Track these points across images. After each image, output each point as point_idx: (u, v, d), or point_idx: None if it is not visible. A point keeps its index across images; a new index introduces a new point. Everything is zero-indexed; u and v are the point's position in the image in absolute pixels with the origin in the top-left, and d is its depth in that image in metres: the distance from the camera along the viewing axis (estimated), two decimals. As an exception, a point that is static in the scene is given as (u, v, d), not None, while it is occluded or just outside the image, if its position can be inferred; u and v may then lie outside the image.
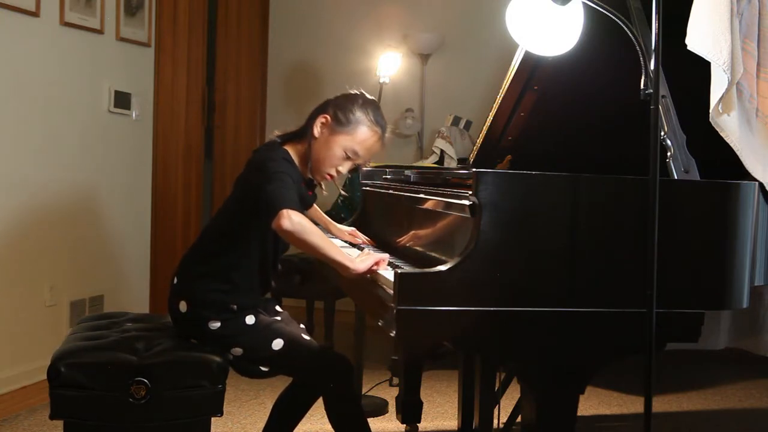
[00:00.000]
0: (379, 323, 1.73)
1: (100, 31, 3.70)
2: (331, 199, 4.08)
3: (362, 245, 2.51)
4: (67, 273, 3.55)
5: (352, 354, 3.36)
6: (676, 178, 1.82)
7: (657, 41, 1.63)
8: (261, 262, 2.18)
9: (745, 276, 1.77)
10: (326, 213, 2.67)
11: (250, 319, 2.15)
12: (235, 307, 2.14)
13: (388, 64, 3.59)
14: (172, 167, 4.32)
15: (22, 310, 3.31)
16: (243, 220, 2.14)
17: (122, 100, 3.88)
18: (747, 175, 1.93)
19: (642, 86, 1.67)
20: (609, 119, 2.22)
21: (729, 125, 1.93)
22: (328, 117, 2.13)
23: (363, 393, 3.39)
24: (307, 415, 2.35)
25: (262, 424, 2.36)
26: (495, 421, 2.55)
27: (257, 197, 2.01)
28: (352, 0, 5.20)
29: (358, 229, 2.61)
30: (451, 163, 4.34)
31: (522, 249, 1.65)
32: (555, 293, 1.65)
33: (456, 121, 4.59)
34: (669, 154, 1.84)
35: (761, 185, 1.88)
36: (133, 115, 3.99)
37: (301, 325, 2.30)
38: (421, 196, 2.10)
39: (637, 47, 1.67)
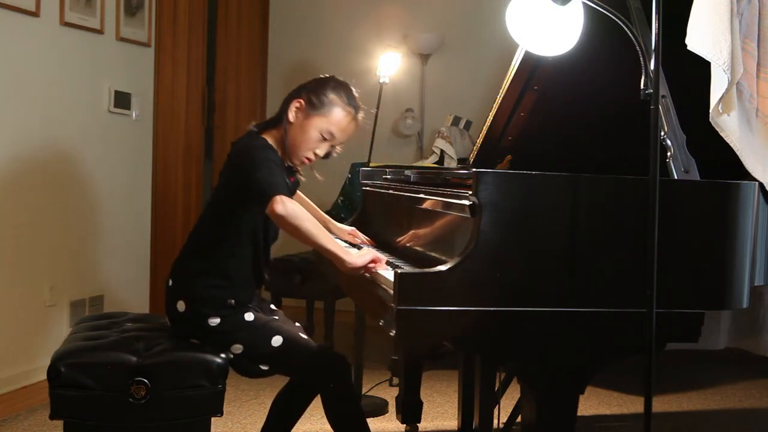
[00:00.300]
0: (380, 323, 1.73)
1: (100, 31, 3.70)
2: (331, 199, 4.08)
3: (362, 245, 2.51)
4: (67, 273, 3.55)
5: (352, 354, 3.36)
6: (676, 178, 1.82)
7: (657, 41, 1.63)
8: (253, 251, 2.19)
9: (745, 276, 1.77)
10: (326, 213, 2.66)
11: (249, 316, 2.16)
12: (233, 301, 2.15)
13: (388, 64, 3.58)
14: (172, 167, 4.32)
15: (22, 310, 3.31)
16: (232, 212, 2.16)
17: (122, 100, 3.88)
18: (747, 175, 1.93)
19: (642, 86, 1.67)
20: (609, 119, 2.22)
21: (729, 125, 1.93)
22: (302, 101, 2.15)
23: (363, 393, 3.39)
24: (307, 415, 2.35)
25: (262, 424, 2.36)
26: (495, 421, 2.55)
27: (245, 186, 2.04)
28: (352, 0, 5.20)
29: (358, 229, 2.61)
30: (451, 163, 4.34)
31: (522, 249, 1.65)
32: (555, 293, 1.65)
33: (456, 121, 4.59)
34: (669, 154, 1.84)
35: (761, 185, 1.88)
36: (133, 115, 3.99)
37: (297, 324, 2.31)
38: (421, 196, 2.11)
39: (637, 47, 1.67)
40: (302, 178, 2.32)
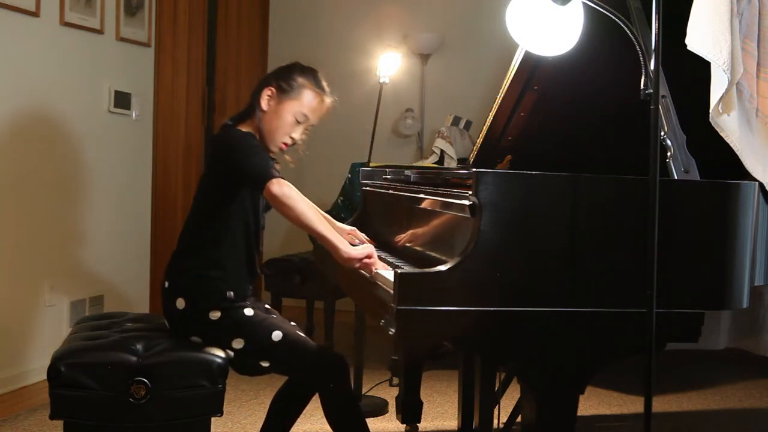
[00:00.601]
0: (381, 323, 1.73)
1: (100, 31, 3.69)
2: (331, 199, 4.08)
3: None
4: (67, 273, 3.55)
5: (352, 354, 3.37)
6: (676, 178, 1.82)
7: (657, 41, 1.63)
8: (246, 242, 2.22)
9: (745, 276, 1.77)
10: (326, 213, 2.66)
11: (248, 311, 2.18)
12: (231, 294, 2.16)
13: (388, 64, 3.58)
14: (172, 167, 4.32)
15: (22, 310, 3.31)
16: (221, 205, 2.19)
17: (122, 100, 3.88)
18: (747, 175, 1.93)
19: (642, 86, 1.67)
20: (609, 119, 2.22)
21: (729, 125, 1.93)
22: (273, 89, 2.22)
23: (363, 393, 3.39)
24: (307, 415, 2.35)
25: (261, 424, 2.36)
26: (495, 421, 2.55)
27: (239, 174, 2.10)
28: (352, 0, 5.20)
29: (358, 229, 2.61)
30: (451, 163, 4.34)
31: (522, 249, 1.65)
32: (555, 293, 1.65)
33: (456, 121, 4.59)
34: (669, 154, 1.84)
35: (761, 185, 1.88)
36: (133, 115, 3.99)
37: (293, 323, 2.32)
38: (421, 196, 2.11)
39: (637, 47, 1.67)
40: (278, 165, 2.35)
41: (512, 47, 2.15)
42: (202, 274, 2.17)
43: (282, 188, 2.01)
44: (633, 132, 1.94)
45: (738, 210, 1.75)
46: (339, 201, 4.03)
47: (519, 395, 1.94)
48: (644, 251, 1.60)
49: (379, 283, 1.84)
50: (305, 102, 2.22)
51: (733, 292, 1.75)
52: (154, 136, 4.20)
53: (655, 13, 1.61)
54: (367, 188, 2.85)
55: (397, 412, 2.81)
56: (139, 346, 2.08)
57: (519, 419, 2.10)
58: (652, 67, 1.65)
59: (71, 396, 1.98)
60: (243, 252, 2.22)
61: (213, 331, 2.15)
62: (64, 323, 3.50)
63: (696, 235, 1.73)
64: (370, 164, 3.21)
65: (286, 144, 2.24)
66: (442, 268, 1.61)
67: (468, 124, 4.61)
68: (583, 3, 1.72)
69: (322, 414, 2.20)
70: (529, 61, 2.25)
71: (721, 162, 1.90)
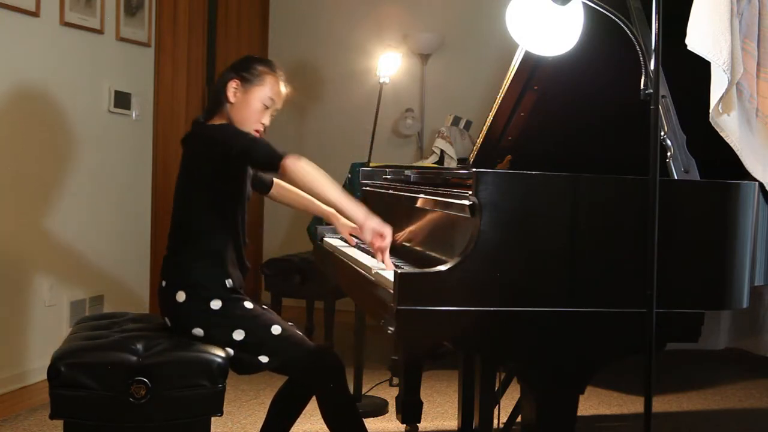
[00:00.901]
0: (381, 323, 1.73)
1: (100, 31, 3.70)
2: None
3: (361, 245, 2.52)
4: (67, 273, 3.56)
5: (352, 354, 3.37)
6: (676, 178, 1.82)
7: (657, 41, 1.63)
8: (234, 230, 2.26)
9: (745, 276, 1.77)
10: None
11: (248, 304, 2.21)
12: (230, 282, 2.20)
13: (388, 64, 3.58)
14: (172, 167, 4.31)
15: (22, 310, 3.31)
16: (208, 196, 2.23)
17: (122, 100, 3.88)
18: (747, 175, 1.93)
19: (642, 86, 1.67)
20: (609, 119, 2.22)
21: (729, 125, 1.93)
22: (237, 80, 2.29)
23: (363, 393, 3.39)
24: (307, 415, 2.35)
25: (261, 424, 2.36)
26: (495, 421, 2.55)
27: (247, 161, 2.20)
28: (352, 0, 5.20)
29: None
30: (451, 163, 4.34)
31: (522, 249, 1.65)
32: (555, 293, 1.65)
33: (456, 121, 4.59)
34: (669, 154, 1.84)
35: (761, 185, 1.88)
36: (133, 115, 3.99)
37: (290, 323, 2.32)
38: (421, 196, 2.11)
39: (637, 47, 1.67)
40: None
41: (512, 47, 2.15)
42: (199, 265, 2.20)
43: (296, 164, 2.07)
44: (633, 132, 1.94)
45: (738, 210, 1.75)
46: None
47: (519, 395, 1.94)
48: (644, 251, 1.60)
49: (379, 283, 1.84)
50: (269, 87, 2.31)
51: (733, 292, 1.75)
52: (154, 136, 4.20)
53: (655, 13, 1.61)
54: (367, 188, 2.85)
55: (397, 412, 2.81)
56: (139, 346, 2.08)
57: (519, 419, 2.10)
58: (652, 67, 1.65)
59: (71, 396, 1.98)
60: (233, 243, 2.26)
61: (214, 320, 2.16)
62: (64, 323, 3.50)
63: (696, 235, 1.73)
64: (370, 164, 3.21)
65: (258, 131, 2.32)
66: (442, 268, 1.61)
67: (468, 124, 4.61)
68: (583, 3, 1.72)
69: (322, 414, 2.20)
70: (529, 61, 2.25)
71: (721, 162, 1.90)
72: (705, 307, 1.75)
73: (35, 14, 3.30)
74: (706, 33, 1.86)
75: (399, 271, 1.60)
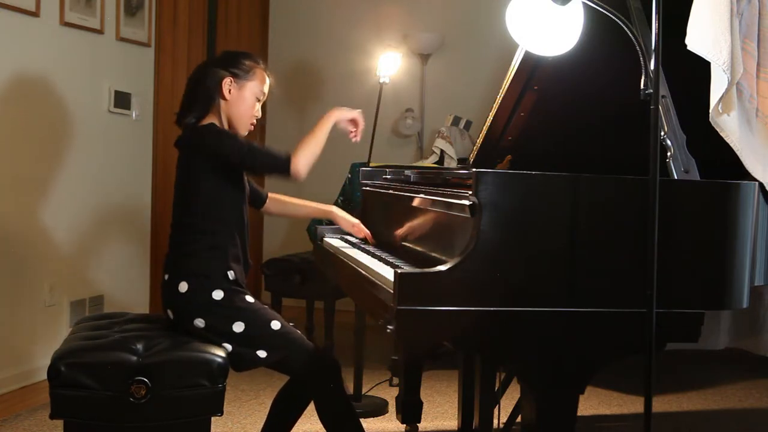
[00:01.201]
0: (381, 323, 1.73)
1: (100, 31, 3.70)
2: (331, 199, 4.08)
3: (360, 242, 2.53)
4: (67, 273, 3.56)
5: (352, 354, 3.37)
6: (676, 178, 1.82)
7: (657, 41, 1.63)
8: (237, 227, 2.28)
9: (745, 276, 1.77)
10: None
11: (249, 298, 2.23)
12: (231, 274, 2.21)
13: (388, 64, 3.57)
14: (172, 167, 4.29)
15: (22, 310, 3.31)
16: (213, 195, 2.25)
17: (122, 100, 3.88)
18: (747, 175, 1.93)
19: (642, 86, 1.67)
20: (609, 119, 2.22)
21: (729, 125, 1.93)
22: (230, 77, 2.32)
23: (363, 393, 3.39)
24: (307, 415, 2.35)
25: (262, 424, 2.36)
26: (495, 421, 2.55)
27: (254, 171, 2.34)
28: (352, 0, 5.20)
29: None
30: (451, 163, 4.34)
31: (522, 249, 1.65)
32: (555, 293, 1.65)
33: (456, 121, 4.59)
34: (669, 154, 1.84)
35: (761, 185, 1.88)
36: (133, 115, 3.99)
37: (291, 323, 2.33)
38: (421, 196, 2.11)
39: (637, 47, 1.67)
40: None
41: (512, 47, 2.15)
42: (201, 257, 2.22)
43: (299, 165, 2.21)
44: (633, 132, 1.94)
45: (738, 210, 1.75)
46: (339, 201, 4.03)
47: (519, 395, 1.94)
48: (644, 251, 1.60)
49: (379, 283, 1.84)
50: (260, 80, 2.37)
51: (733, 292, 1.75)
52: (154, 136, 4.20)
53: (655, 13, 1.61)
54: (367, 188, 2.85)
55: (397, 412, 2.81)
56: (139, 346, 2.08)
57: (519, 419, 2.10)
58: (652, 67, 1.65)
59: (71, 396, 1.98)
60: (234, 238, 2.28)
61: (215, 310, 2.17)
62: (64, 323, 3.50)
63: (696, 235, 1.73)
64: (370, 164, 3.21)
65: (253, 124, 2.38)
66: (442, 268, 1.61)
67: (468, 124, 4.61)
68: (583, 3, 1.72)
69: (322, 414, 2.21)
70: (529, 61, 2.25)
71: (721, 162, 1.90)
72: (705, 307, 1.75)
73: (35, 14, 3.31)
74: (706, 33, 1.86)
75: (399, 271, 1.60)
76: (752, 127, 2.04)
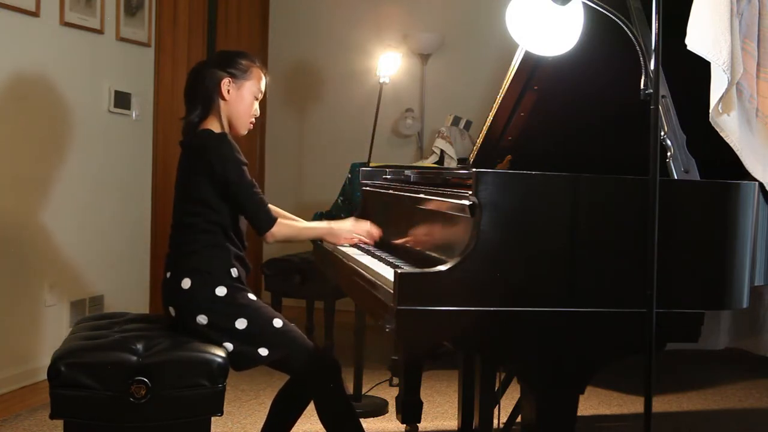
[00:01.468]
0: (381, 323, 1.73)
1: (100, 31, 3.70)
2: (331, 199, 4.08)
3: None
4: (67, 273, 3.56)
5: (352, 354, 3.37)
6: (676, 178, 1.82)
7: (657, 41, 1.63)
8: (234, 230, 2.29)
9: (745, 276, 1.77)
10: (326, 213, 2.67)
11: (251, 296, 2.24)
12: (234, 272, 2.23)
13: (388, 64, 3.57)
14: (172, 167, 4.30)
15: (22, 310, 3.31)
16: (208, 197, 2.25)
17: (122, 100, 3.88)
18: (747, 175, 1.93)
19: (642, 86, 1.67)
20: (609, 119, 2.22)
21: (729, 125, 1.93)
22: (229, 78, 2.33)
23: (363, 393, 3.39)
24: (307, 415, 2.35)
25: (262, 424, 2.36)
26: (495, 421, 2.55)
27: (236, 206, 2.27)
28: (352, 0, 5.20)
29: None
30: (451, 163, 4.34)
31: (522, 249, 1.65)
32: (555, 293, 1.65)
33: (456, 121, 4.59)
34: (669, 154, 1.84)
35: (761, 185, 1.88)
36: (133, 115, 3.99)
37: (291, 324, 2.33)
38: (421, 196, 2.11)
39: (637, 47, 1.67)
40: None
41: (512, 47, 2.15)
42: (204, 255, 2.23)
43: (276, 237, 2.28)
44: (633, 132, 1.94)
45: (738, 210, 1.75)
46: (339, 201, 4.03)
47: (519, 395, 1.94)
48: (644, 251, 1.60)
49: (379, 283, 1.84)
50: (257, 79, 2.38)
51: (733, 292, 1.75)
52: (154, 136, 4.20)
53: (655, 13, 1.61)
54: (367, 188, 2.84)
55: (397, 412, 2.81)
56: (139, 346, 2.08)
57: (519, 419, 2.10)
58: (652, 67, 1.65)
59: (71, 396, 1.98)
60: (235, 240, 2.30)
61: (218, 307, 2.18)
62: (64, 323, 3.50)
63: (696, 235, 1.73)
64: (370, 164, 3.21)
65: (252, 123, 2.40)
66: (442, 268, 1.61)
67: (468, 124, 4.61)
68: (583, 3, 1.72)
69: (322, 414, 2.20)
70: (529, 61, 2.25)
71: (721, 162, 1.90)
72: (705, 307, 1.75)
73: (35, 14, 3.31)
74: (706, 33, 1.86)
75: (399, 271, 1.60)
76: (752, 127, 2.04)
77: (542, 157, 2.46)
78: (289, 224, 2.36)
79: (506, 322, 1.64)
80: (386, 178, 2.78)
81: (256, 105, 2.40)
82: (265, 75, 2.41)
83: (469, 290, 1.61)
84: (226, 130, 2.33)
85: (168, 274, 2.26)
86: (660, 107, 1.70)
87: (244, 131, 2.39)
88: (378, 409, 3.31)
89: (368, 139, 3.53)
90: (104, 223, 3.80)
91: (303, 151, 5.28)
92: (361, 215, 2.88)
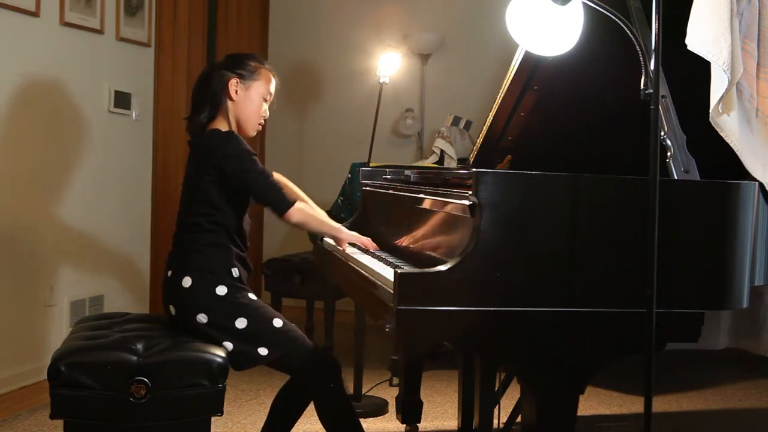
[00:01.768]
0: (381, 323, 1.73)
1: (100, 31, 3.70)
2: (331, 198, 4.08)
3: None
4: (67, 273, 3.56)
5: (352, 354, 3.37)
6: (676, 178, 1.82)
7: (657, 41, 1.63)
8: (238, 232, 2.30)
9: (745, 276, 1.77)
10: (326, 213, 2.66)
11: (251, 296, 2.25)
12: (235, 271, 2.23)
13: (388, 64, 3.58)
14: (172, 167, 4.32)
15: (22, 310, 3.31)
16: (219, 199, 2.25)
17: (122, 100, 3.88)
18: (747, 175, 1.93)
19: (642, 86, 1.67)
20: (609, 119, 2.22)
21: (729, 125, 1.93)
22: (236, 79, 2.33)
23: (363, 393, 3.39)
24: (308, 415, 2.35)
25: (262, 424, 2.36)
26: (495, 421, 2.55)
27: (256, 198, 2.27)
28: (352, 0, 5.20)
29: (358, 230, 2.61)
30: (451, 163, 4.34)
31: (522, 249, 1.65)
32: (555, 293, 1.65)
33: (456, 121, 4.59)
34: (669, 154, 1.84)
35: (761, 185, 1.88)
36: (133, 115, 3.99)
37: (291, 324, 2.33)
38: (421, 196, 2.11)
39: (637, 47, 1.67)
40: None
41: (512, 47, 2.15)
42: (206, 254, 2.23)
43: (293, 218, 2.25)
44: (633, 132, 1.94)
45: (738, 210, 1.75)
46: (339, 201, 4.03)
47: (519, 395, 1.94)
48: (644, 251, 1.60)
49: (379, 282, 1.85)
50: (266, 81, 2.37)
51: (733, 292, 1.75)
52: (154, 136, 4.20)
53: (655, 13, 1.61)
54: (367, 188, 2.85)
55: (397, 412, 2.81)
56: (139, 346, 2.08)
57: (519, 419, 2.10)
58: (652, 67, 1.65)
59: (71, 396, 1.98)
60: (238, 241, 2.30)
61: (219, 306, 2.18)
62: (64, 323, 3.50)
63: (696, 235, 1.73)
64: (370, 164, 3.21)
65: (261, 124, 2.40)
66: (442, 268, 1.61)
67: (468, 124, 4.61)
68: (583, 3, 1.72)
69: (322, 414, 2.20)
70: (529, 61, 2.25)
71: (721, 162, 1.90)
72: (705, 307, 1.75)
73: (35, 14, 3.31)
74: (706, 33, 1.86)
75: (399, 271, 1.60)
76: (752, 127, 2.04)
77: (542, 157, 2.46)
78: (306, 211, 2.31)
79: (506, 322, 1.64)
80: (386, 178, 2.78)
81: (266, 107, 2.39)
82: (274, 77, 2.41)
83: (469, 290, 1.61)
84: (234, 130, 2.33)
85: (169, 273, 2.26)
86: (660, 107, 1.70)
87: (252, 132, 2.38)
88: (378, 409, 3.31)
89: (368, 139, 3.53)
90: (104, 223, 3.80)
91: (303, 151, 5.28)
92: (361, 215, 2.88)
